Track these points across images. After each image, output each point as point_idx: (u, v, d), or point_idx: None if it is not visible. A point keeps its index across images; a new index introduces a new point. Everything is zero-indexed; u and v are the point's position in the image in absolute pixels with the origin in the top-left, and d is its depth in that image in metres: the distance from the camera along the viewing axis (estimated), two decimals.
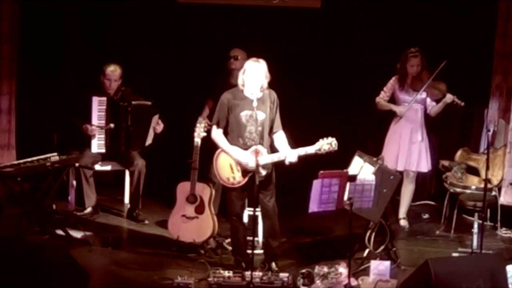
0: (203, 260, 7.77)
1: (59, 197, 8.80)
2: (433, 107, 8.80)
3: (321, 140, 7.33)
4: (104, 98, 8.89)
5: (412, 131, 8.79)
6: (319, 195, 7.01)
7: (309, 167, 7.36)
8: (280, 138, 7.52)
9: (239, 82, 7.42)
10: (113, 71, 8.89)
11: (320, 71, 10.00)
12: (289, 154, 7.35)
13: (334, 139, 7.32)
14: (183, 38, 10.01)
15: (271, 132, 7.52)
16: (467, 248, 8.16)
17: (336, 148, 7.32)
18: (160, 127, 8.95)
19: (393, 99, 8.90)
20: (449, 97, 8.62)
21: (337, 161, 7.46)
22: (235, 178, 7.47)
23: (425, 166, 8.86)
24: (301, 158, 7.37)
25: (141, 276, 7.47)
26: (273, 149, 7.52)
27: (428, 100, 8.80)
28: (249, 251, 7.45)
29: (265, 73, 7.38)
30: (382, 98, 8.89)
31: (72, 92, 9.49)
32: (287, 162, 7.36)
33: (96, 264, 7.71)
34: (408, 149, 8.78)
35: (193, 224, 8.00)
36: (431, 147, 9.05)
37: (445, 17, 9.55)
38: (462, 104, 8.63)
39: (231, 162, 7.47)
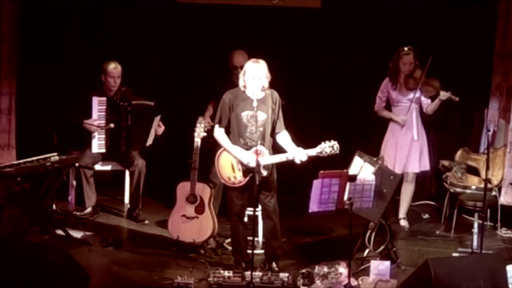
0: (203, 260, 7.77)
1: (59, 197, 8.79)
2: (429, 105, 8.80)
3: (323, 143, 7.33)
4: (104, 98, 8.89)
5: (407, 131, 8.79)
6: (319, 195, 7.02)
7: (310, 167, 7.37)
8: (285, 138, 7.52)
9: (240, 83, 7.43)
10: (115, 68, 8.90)
11: (320, 71, 10.00)
12: (297, 154, 7.34)
13: (336, 142, 7.32)
14: (183, 38, 10.01)
15: (273, 132, 7.52)
16: (467, 248, 8.16)
17: (337, 152, 7.31)
18: (161, 129, 8.95)
19: (387, 101, 8.92)
20: (443, 95, 8.61)
21: (337, 161, 7.45)
22: (236, 177, 7.48)
23: (424, 165, 8.85)
24: None
25: (141, 276, 7.47)
26: (276, 150, 7.52)
27: (423, 98, 8.80)
28: (249, 251, 7.45)
29: (266, 73, 7.38)
30: (379, 106, 8.90)
31: (72, 92, 9.49)
32: (297, 161, 7.36)
33: (96, 264, 7.72)
34: (404, 150, 8.77)
35: (193, 224, 8.00)
36: (430, 146, 9.05)
37: (445, 17, 9.54)
38: (457, 99, 8.61)
39: (232, 161, 7.47)
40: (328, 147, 7.31)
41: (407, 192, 8.89)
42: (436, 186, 9.85)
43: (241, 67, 8.02)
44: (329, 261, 7.56)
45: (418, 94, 8.74)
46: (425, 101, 8.82)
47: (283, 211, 7.75)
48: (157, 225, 8.81)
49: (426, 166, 8.89)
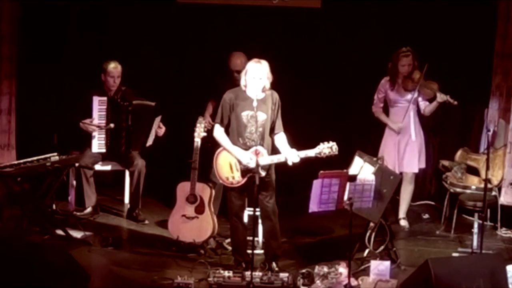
0: (203, 260, 7.77)
1: (59, 197, 8.79)
2: (427, 106, 8.81)
3: (321, 144, 7.33)
4: (105, 98, 8.89)
5: (404, 131, 8.79)
6: (319, 195, 7.02)
7: (309, 167, 7.37)
8: (281, 139, 7.52)
9: (242, 83, 7.43)
10: (115, 67, 8.90)
11: (320, 71, 10.00)
12: (289, 156, 7.35)
13: (334, 143, 7.32)
14: (183, 38, 10.01)
15: (272, 133, 7.52)
16: (467, 248, 8.16)
17: (336, 153, 7.32)
18: (162, 131, 8.95)
19: (385, 101, 8.93)
20: (440, 97, 8.63)
21: (337, 161, 7.45)
22: (234, 177, 7.47)
23: (421, 165, 8.85)
24: (301, 159, 7.38)
25: (141, 276, 7.47)
26: (274, 150, 7.52)
27: (421, 99, 8.81)
28: (249, 251, 7.45)
29: (267, 73, 7.38)
30: (377, 107, 8.91)
31: (72, 92, 9.49)
32: (290, 163, 7.36)
33: (96, 264, 7.72)
34: (402, 151, 8.78)
35: (193, 224, 8.00)
36: (430, 146, 9.06)
37: (445, 17, 9.55)
38: (455, 103, 8.63)
39: (231, 161, 7.47)
40: (327, 148, 7.32)
41: (406, 192, 8.89)
42: (436, 186, 9.85)
43: (238, 72, 8.08)
44: (329, 261, 7.56)
45: (416, 95, 8.76)
46: (422, 102, 8.82)
47: (283, 211, 7.75)
48: (157, 225, 8.81)
49: (422, 164, 8.89)
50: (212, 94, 8.68)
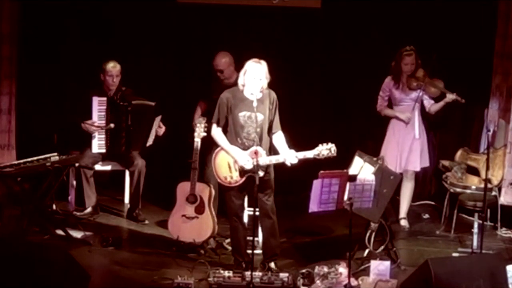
0: (203, 260, 7.77)
1: (59, 197, 8.79)
2: (433, 105, 8.82)
3: (320, 145, 7.32)
4: (104, 98, 8.90)
5: (408, 129, 8.80)
6: (319, 195, 7.02)
7: (309, 167, 7.37)
8: (279, 139, 7.51)
9: (240, 82, 7.42)
10: (114, 66, 8.91)
11: (320, 71, 10.00)
12: (288, 157, 7.35)
13: (333, 145, 7.32)
14: (183, 38, 10.01)
15: (270, 132, 7.52)
16: (467, 248, 8.16)
17: (335, 154, 7.31)
18: (162, 130, 8.95)
19: (389, 100, 8.93)
20: (450, 97, 8.64)
21: (337, 161, 7.45)
22: (233, 177, 7.47)
23: (424, 163, 8.86)
24: (300, 159, 7.37)
25: (141, 276, 7.48)
26: (272, 150, 7.51)
27: (426, 98, 8.82)
28: (249, 251, 7.45)
29: (266, 74, 7.37)
30: (382, 105, 8.91)
31: (72, 92, 9.50)
32: (288, 164, 7.36)
33: (96, 264, 7.72)
34: (405, 148, 8.79)
35: (193, 224, 8.00)
36: (430, 145, 9.05)
37: (446, 17, 9.55)
38: (463, 101, 8.65)
39: (229, 161, 7.47)
40: (325, 149, 7.31)
41: (406, 190, 8.89)
42: (436, 186, 9.86)
43: (220, 71, 8.07)
44: (329, 261, 7.56)
45: (421, 93, 8.76)
46: (427, 101, 8.83)
47: (283, 211, 7.75)
48: (157, 225, 8.81)
49: (426, 163, 8.90)
50: (203, 95, 8.68)
